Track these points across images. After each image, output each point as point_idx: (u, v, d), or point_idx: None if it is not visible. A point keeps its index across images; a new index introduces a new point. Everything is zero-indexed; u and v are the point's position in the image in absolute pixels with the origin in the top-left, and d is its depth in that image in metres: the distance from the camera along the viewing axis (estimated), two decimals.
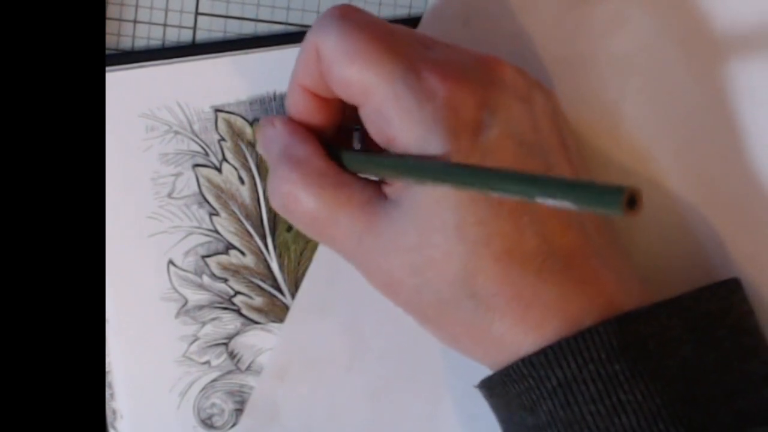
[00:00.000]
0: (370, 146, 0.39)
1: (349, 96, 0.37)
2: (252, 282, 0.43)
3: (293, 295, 0.43)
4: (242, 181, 0.43)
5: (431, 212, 0.35)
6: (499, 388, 0.37)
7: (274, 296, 0.43)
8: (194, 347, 0.43)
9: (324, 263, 0.43)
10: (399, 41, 0.37)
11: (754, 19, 0.42)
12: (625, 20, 0.42)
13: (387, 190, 0.37)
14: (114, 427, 0.43)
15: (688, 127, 0.42)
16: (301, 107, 0.39)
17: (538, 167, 0.36)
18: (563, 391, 0.35)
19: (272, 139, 0.39)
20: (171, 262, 0.43)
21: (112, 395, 0.43)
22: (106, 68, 0.42)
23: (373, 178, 0.38)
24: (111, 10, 0.44)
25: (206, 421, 0.43)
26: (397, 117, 0.36)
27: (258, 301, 0.43)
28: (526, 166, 0.36)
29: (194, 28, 0.44)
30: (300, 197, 0.37)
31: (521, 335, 0.36)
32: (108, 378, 0.43)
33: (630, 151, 0.42)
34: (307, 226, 0.38)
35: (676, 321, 0.36)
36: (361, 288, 0.42)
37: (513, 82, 0.37)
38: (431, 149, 0.35)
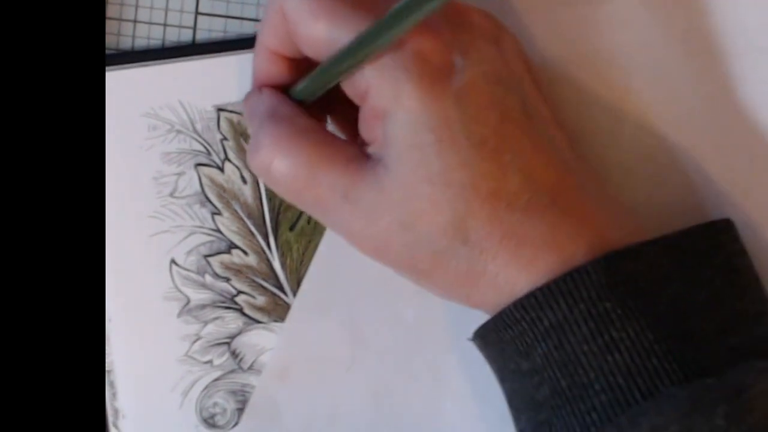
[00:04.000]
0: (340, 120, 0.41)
1: (318, 54, 0.37)
2: (254, 281, 0.43)
3: (295, 295, 0.43)
4: (244, 181, 0.43)
5: (415, 162, 0.35)
6: (492, 335, 0.37)
7: (277, 295, 0.43)
8: (196, 346, 0.43)
9: (325, 263, 0.43)
10: None
11: (755, 18, 0.42)
12: (626, 20, 0.42)
13: (369, 149, 0.37)
14: (116, 427, 0.43)
15: (688, 127, 0.42)
16: (268, 68, 0.39)
17: (516, 104, 0.37)
18: (556, 333, 0.35)
19: (257, 105, 0.39)
20: (173, 262, 0.43)
21: (114, 394, 0.43)
22: (106, 68, 0.42)
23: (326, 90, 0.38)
24: (111, 10, 0.44)
25: (208, 421, 0.43)
26: (369, 69, 0.36)
27: (260, 300, 0.43)
28: (504, 104, 0.36)
29: (194, 28, 0.44)
30: (280, 155, 0.37)
31: (515, 273, 0.36)
32: (110, 377, 0.43)
33: (630, 150, 0.42)
34: (287, 188, 0.38)
35: (665, 259, 0.36)
36: (361, 288, 0.42)
37: (481, 26, 0.38)
38: (406, 97, 0.35)
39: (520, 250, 0.36)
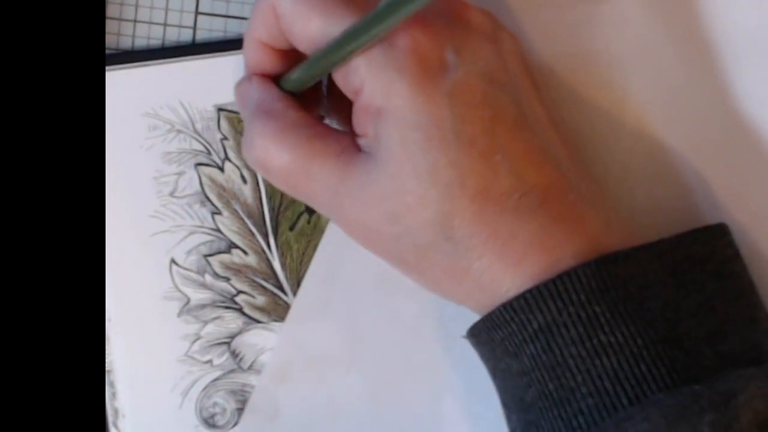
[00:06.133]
0: (335, 107, 0.41)
1: (313, 50, 0.37)
2: (254, 281, 0.43)
3: (295, 295, 0.43)
4: (244, 180, 0.43)
5: (403, 158, 0.35)
6: (484, 335, 0.37)
7: (276, 295, 0.43)
8: (196, 346, 0.43)
9: (324, 263, 0.43)
10: None
11: (754, 19, 0.42)
12: (625, 21, 0.42)
13: (360, 141, 0.37)
14: (116, 426, 0.43)
15: (686, 129, 0.42)
16: (259, 58, 0.39)
17: (509, 103, 0.36)
18: (544, 335, 0.35)
19: (248, 94, 0.39)
20: (173, 261, 0.43)
21: (114, 394, 0.43)
22: (107, 68, 0.42)
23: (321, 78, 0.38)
24: (111, 10, 0.44)
25: (208, 420, 0.43)
26: (362, 66, 0.36)
27: (260, 300, 0.43)
28: (497, 104, 0.36)
29: (194, 28, 0.44)
30: (274, 150, 0.37)
31: (500, 273, 0.36)
32: (110, 377, 0.43)
33: (629, 152, 0.42)
34: (283, 181, 0.38)
35: (658, 264, 0.36)
36: (361, 288, 0.42)
37: (479, 24, 0.37)
38: (397, 96, 0.35)
39: (507, 251, 0.36)
